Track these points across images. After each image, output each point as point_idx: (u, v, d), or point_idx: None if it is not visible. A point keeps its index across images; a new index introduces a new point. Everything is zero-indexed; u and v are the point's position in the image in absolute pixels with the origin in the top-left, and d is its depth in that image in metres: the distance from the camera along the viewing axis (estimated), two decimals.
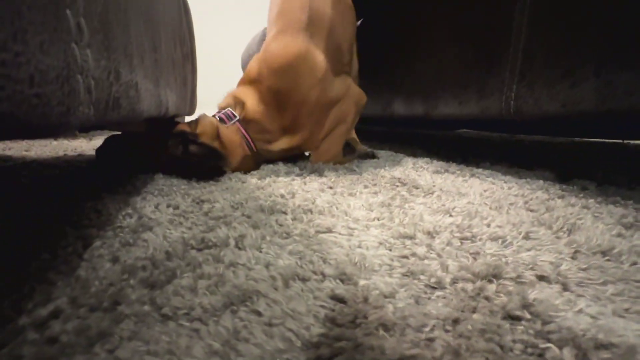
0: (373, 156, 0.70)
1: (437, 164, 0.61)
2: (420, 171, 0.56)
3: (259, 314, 0.17)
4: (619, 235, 0.28)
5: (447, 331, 0.17)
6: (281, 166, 0.61)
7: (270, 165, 0.60)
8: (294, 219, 0.32)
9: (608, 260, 0.24)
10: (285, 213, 0.33)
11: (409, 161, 0.65)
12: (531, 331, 0.16)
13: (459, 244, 0.26)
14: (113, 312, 0.17)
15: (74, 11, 0.13)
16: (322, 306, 0.18)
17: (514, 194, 0.40)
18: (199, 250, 0.25)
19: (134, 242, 0.26)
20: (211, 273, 0.21)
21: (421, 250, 0.25)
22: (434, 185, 0.45)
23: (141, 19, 0.26)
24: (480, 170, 0.55)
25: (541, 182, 0.45)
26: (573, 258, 0.24)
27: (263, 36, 1.58)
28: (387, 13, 0.69)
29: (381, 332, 0.16)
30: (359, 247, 0.26)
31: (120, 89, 0.19)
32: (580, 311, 0.18)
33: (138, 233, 0.27)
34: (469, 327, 0.17)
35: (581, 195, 0.39)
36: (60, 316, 0.16)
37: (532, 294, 0.19)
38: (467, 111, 0.52)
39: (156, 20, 0.32)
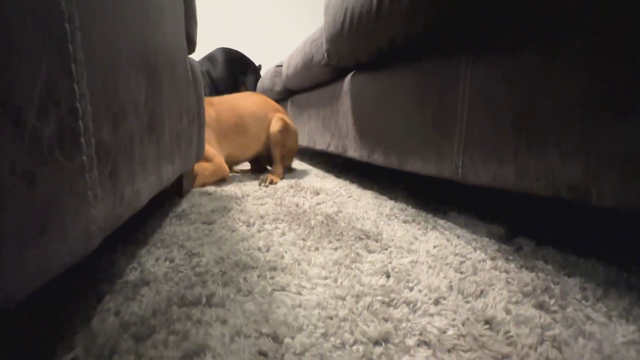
0: None
1: (410, 212, 0.68)
2: (391, 220, 0.63)
3: None
4: (516, 302, 0.35)
5: None
6: (270, 208, 0.70)
7: (260, 209, 0.70)
8: (259, 276, 0.40)
9: (488, 328, 0.31)
10: (255, 268, 0.42)
11: (387, 206, 0.73)
12: None
13: (377, 307, 0.34)
14: (110, 359, 0.26)
15: (93, 189, 0.22)
16: (249, 359, 0.26)
17: (456, 253, 0.47)
18: (179, 306, 0.33)
19: (134, 297, 0.35)
20: (180, 330, 0.29)
21: (343, 312, 0.33)
22: (392, 240, 0.52)
23: (145, 137, 0.36)
24: (443, 221, 0.62)
25: (486, 239, 0.52)
26: (462, 324, 0.31)
27: (275, 72, 1.72)
28: (369, 72, 0.77)
29: None
30: (300, 306, 0.34)
31: (123, 206, 0.28)
32: None
33: (138, 287, 0.37)
34: None
35: (511, 257, 0.45)
36: None
37: (402, 358, 0.26)
38: (428, 170, 0.60)
39: (160, 122, 0.42)
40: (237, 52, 2.46)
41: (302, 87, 1.36)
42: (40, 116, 0.17)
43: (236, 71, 2.37)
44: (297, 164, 1.55)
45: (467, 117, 0.49)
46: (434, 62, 0.56)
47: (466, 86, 0.49)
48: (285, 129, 1.13)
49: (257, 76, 2.49)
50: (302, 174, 1.25)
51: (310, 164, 1.55)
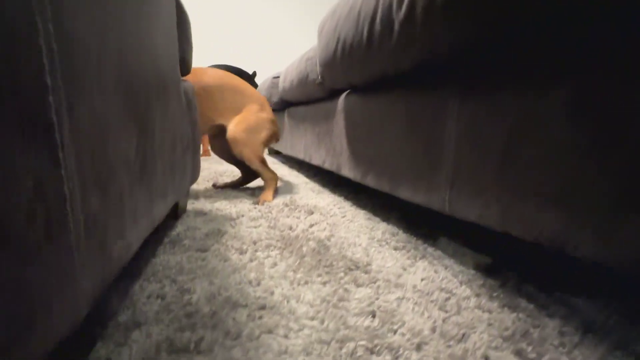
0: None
1: (401, 237, 0.69)
2: (382, 246, 0.64)
3: None
4: (495, 348, 0.36)
5: None
6: (264, 232, 0.71)
7: (253, 233, 0.71)
8: (248, 316, 0.41)
9: None
10: (245, 307, 0.43)
11: (379, 230, 0.74)
12: None
13: (361, 353, 0.35)
14: None
15: (81, 263, 0.23)
16: None
17: (442, 287, 0.48)
18: (168, 353, 0.34)
19: (125, 342, 0.36)
20: None
21: None
22: (381, 271, 0.53)
23: (136, 185, 0.37)
24: (432, 249, 0.63)
25: (472, 272, 0.53)
26: None
27: (272, 84, 1.73)
28: (363, 94, 0.77)
29: None
30: (285, 352, 0.35)
31: (113, 264, 0.29)
32: None
33: (129, 331, 0.38)
34: None
35: (495, 294, 0.46)
36: None
37: None
38: (418, 199, 0.61)
39: (152, 163, 0.43)
40: (227, 66, 2.47)
41: (299, 100, 1.37)
42: (28, 221, 0.18)
43: None
44: (294, 175, 1.56)
45: (455, 153, 0.50)
46: (425, 94, 0.57)
47: (454, 123, 0.50)
48: (241, 135, 1.05)
49: (252, 83, 2.50)
50: (298, 187, 1.26)
51: (307, 175, 1.56)
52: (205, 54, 3.18)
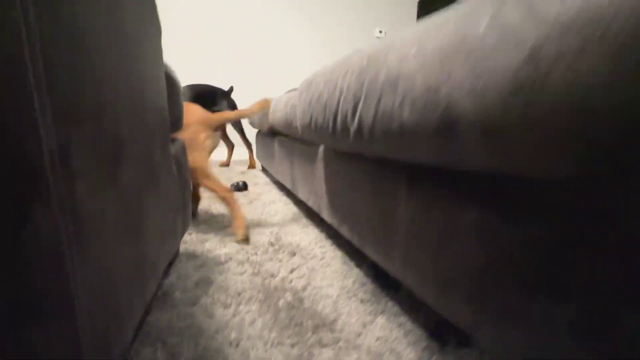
0: None
1: (368, 288, 0.78)
2: (350, 299, 0.73)
3: None
4: None
5: None
6: (247, 280, 0.79)
7: (238, 282, 0.79)
8: None
9: None
10: None
11: (351, 278, 0.83)
12: None
13: None
14: None
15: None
16: None
17: (392, 349, 0.57)
18: None
19: None
20: None
21: None
22: (343, 329, 0.62)
23: (131, 282, 0.46)
24: (392, 304, 0.71)
25: (420, 332, 0.62)
26: None
27: (262, 112, 1.80)
28: (337, 154, 0.85)
29: None
30: None
31: None
32: None
33: None
34: None
35: (435, 357, 0.55)
36: None
37: None
38: (379, 262, 0.69)
39: (144, 251, 0.52)
40: (202, 85, 2.42)
41: (287, 134, 1.45)
42: None
43: (206, 105, 2.29)
44: (283, 201, 1.64)
45: (405, 235, 0.59)
46: (385, 174, 0.66)
47: (403, 209, 0.58)
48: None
49: (229, 100, 2.47)
50: (286, 217, 1.34)
51: (296, 201, 1.65)
52: (189, 71, 3.23)
